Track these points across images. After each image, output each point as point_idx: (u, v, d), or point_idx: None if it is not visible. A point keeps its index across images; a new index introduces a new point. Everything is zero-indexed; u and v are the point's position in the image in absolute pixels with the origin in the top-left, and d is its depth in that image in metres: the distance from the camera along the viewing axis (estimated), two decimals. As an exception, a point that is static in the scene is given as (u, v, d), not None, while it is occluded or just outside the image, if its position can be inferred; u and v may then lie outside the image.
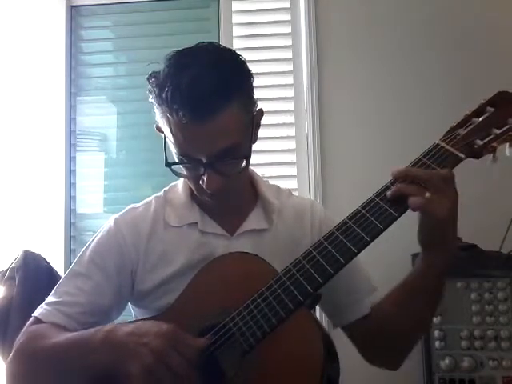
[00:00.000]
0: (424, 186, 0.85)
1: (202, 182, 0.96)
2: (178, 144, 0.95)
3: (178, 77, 0.92)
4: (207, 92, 0.90)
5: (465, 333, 1.61)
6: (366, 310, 1.07)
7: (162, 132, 1.00)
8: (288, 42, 2.13)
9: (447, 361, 1.60)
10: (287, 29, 2.14)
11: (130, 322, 1.02)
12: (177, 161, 0.98)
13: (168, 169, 0.99)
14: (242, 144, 0.96)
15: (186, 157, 0.96)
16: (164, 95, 0.92)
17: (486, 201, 1.82)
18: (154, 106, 0.98)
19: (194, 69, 0.92)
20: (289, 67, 2.12)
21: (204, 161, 0.94)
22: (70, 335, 0.93)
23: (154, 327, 0.85)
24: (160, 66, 0.98)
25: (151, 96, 0.97)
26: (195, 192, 1.04)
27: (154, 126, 1.03)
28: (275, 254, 1.03)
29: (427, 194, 0.84)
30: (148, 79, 0.98)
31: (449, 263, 0.93)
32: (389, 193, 0.88)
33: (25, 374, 0.96)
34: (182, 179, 1.12)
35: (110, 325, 0.91)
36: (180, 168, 1.01)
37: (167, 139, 0.99)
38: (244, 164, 0.98)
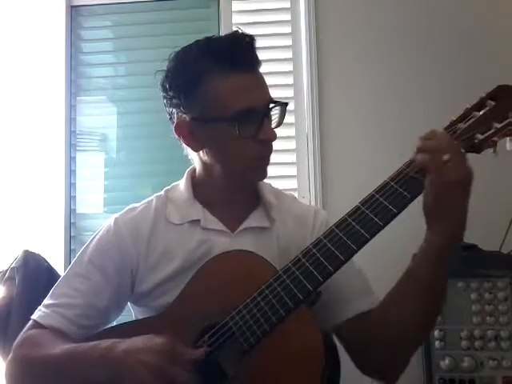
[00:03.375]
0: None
1: (258, 137, 0.99)
2: (236, 98, 0.97)
3: (215, 39, 1.01)
4: (250, 41, 1.00)
5: (465, 333, 1.61)
6: (360, 309, 1.03)
7: (191, 124, 1.02)
8: (288, 42, 2.13)
9: (447, 361, 1.59)
10: (287, 29, 2.14)
11: (126, 322, 1.03)
12: (233, 123, 0.97)
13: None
14: None
15: (243, 111, 0.97)
16: (213, 52, 0.99)
17: (486, 201, 1.82)
18: (185, 94, 1.00)
19: (222, 35, 1.04)
20: (289, 67, 2.12)
21: (262, 108, 0.99)
22: (67, 348, 0.92)
23: (149, 342, 0.84)
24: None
25: (180, 82, 1.01)
26: (248, 160, 1.02)
27: (174, 125, 1.05)
28: (276, 253, 1.04)
29: (445, 157, 0.84)
30: (171, 70, 1.02)
31: (451, 242, 0.89)
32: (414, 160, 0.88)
33: (21, 381, 0.97)
34: (183, 179, 1.12)
35: (106, 341, 0.89)
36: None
37: (206, 121, 1.00)
38: (281, 116, 1.05)
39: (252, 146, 1.00)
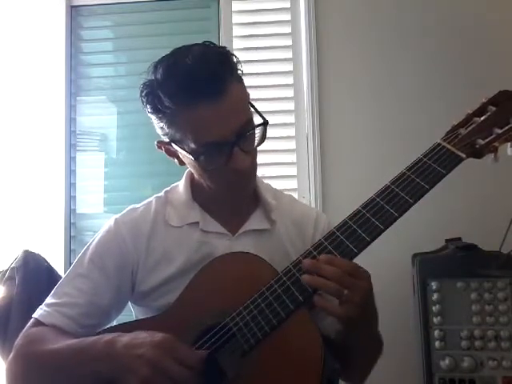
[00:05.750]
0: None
1: (230, 165, 0.94)
2: (199, 132, 0.93)
3: (179, 65, 0.93)
4: (216, 65, 0.91)
5: (465, 333, 1.61)
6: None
7: (168, 145, 1.01)
8: (288, 42, 2.13)
9: (447, 361, 1.60)
10: (287, 29, 2.14)
11: (127, 322, 1.02)
12: (200, 155, 0.95)
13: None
14: (252, 120, 0.97)
15: (209, 144, 0.93)
16: (171, 84, 0.92)
17: (486, 201, 1.82)
18: (156, 118, 0.99)
19: (192, 52, 0.94)
20: (289, 67, 2.12)
21: (229, 140, 0.93)
22: (69, 342, 0.92)
23: (149, 337, 0.84)
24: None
25: (150, 107, 0.99)
26: (224, 189, 1.02)
27: (155, 142, 1.04)
28: (276, 255, 1.03)
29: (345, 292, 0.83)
30: (144, 94, 1.00)
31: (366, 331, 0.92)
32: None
33: (23, 378, 0.96)
34: (182, 180, 1.12)
35: (108, 335, 0.89)
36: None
37: (178, 145, 0.98)
38: (262, 136, 0.98)
39: (225, 173, 0.97)
